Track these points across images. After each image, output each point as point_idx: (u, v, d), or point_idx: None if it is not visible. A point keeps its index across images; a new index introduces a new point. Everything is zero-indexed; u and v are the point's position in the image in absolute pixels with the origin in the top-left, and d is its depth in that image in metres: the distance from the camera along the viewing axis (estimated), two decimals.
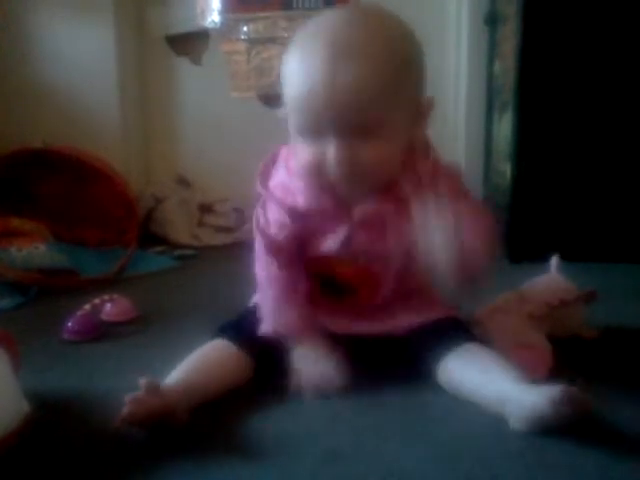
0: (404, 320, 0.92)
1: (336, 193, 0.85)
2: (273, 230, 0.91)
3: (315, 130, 0.80)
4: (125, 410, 0.71)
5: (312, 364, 0.85)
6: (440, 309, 0.94)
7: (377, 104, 0.77)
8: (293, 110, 0.82)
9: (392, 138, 0.81)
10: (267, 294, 0.93)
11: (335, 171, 0.81)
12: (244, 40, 2.26)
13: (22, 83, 2.14)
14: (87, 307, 1.15)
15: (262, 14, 2.25)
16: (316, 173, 0.83)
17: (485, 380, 0.79)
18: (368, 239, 0.88)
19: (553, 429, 0.71)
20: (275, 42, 2.23)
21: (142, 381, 0.73)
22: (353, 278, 0.93)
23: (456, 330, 0.90)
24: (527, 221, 1.69)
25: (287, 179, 0.89)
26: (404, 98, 0.81)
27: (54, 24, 2.12)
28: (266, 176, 0.92)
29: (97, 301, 1.18)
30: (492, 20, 1.98)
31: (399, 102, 0.80)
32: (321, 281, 0.95)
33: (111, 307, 1.21)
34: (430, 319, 0.91)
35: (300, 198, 0.88)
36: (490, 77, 2.04)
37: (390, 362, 0.91)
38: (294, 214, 0.89)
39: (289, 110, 0.83)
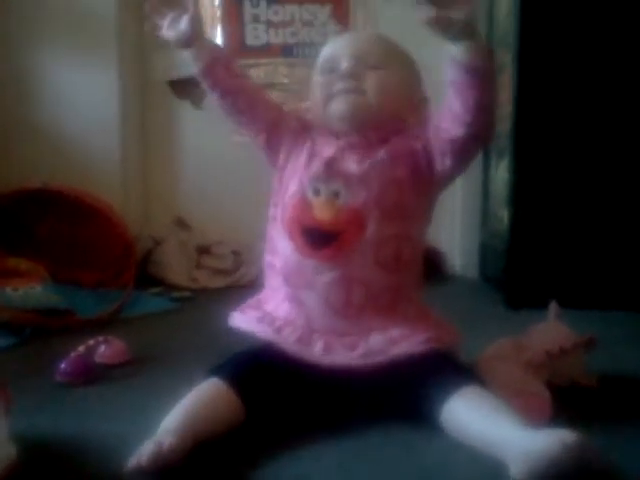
0: (381, 348, 0.90)
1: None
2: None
3: (332, 66, 0.98)
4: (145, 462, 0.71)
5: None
6: (423, 333, 0.91)
7: (382, 55, 0.98)
8: (320, 68, 1.01)
9: (393, 76, 0.97)
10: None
11: (341, 101, 0.96)
12: None
13: (24, 124, 2.16)
14: (81, 349, 1.14)
15: (263, 60, 2.30)
16: (325, 106, 0.97)
17: (491, 423, 0.78)
18: (351, 161, 0.95)
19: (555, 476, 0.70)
20: (275, 88, 2.27)
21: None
22: (334, 222, 0.93)
23: (457, 372, 0.88)
24: (525, 267, 1.69)
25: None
26: (402, 69, 1.00)
27: (58, 66, 2.16)
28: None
29: (91, 342, 1.17)
30: None
31: (399, 65, 1.00)
32: (304, 232, 0.94)
33: (105, 349, 1.20)
34: (414, 350, 0.89)
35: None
36: None
37: (390, 405, 0.89)
38: (301, 123, 1.03)
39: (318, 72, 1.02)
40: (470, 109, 0.86)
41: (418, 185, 0.95)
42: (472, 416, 0.80)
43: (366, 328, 0.93)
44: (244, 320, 0.99)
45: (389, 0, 2.17)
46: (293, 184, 0.97)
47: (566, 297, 1.22)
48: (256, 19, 2.31)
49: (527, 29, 1.64)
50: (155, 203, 2.37)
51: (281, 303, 0.98)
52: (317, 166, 0.95)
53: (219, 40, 2.32)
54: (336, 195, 0.93)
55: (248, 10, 2.31)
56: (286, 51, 2.29)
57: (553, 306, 1.11)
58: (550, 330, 1.07)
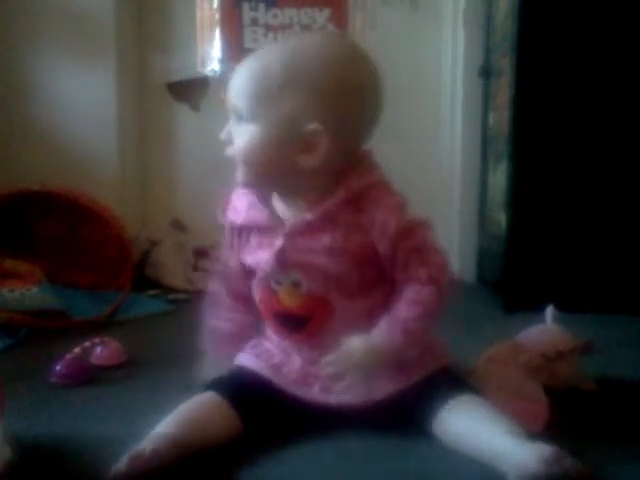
0: (382, 386, 0.88)
1: (270, 206, 0.91)
2: (224, 255, 0.98)
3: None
4: (125, 466, 0.71)
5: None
6: (425, 364, 0.90)
7: (247, 102, 0.87)
8: None
9: (263, 131, 0.85)
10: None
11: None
12: None
13: (22, 126, 2.15)
14: (77, 350, 1.13)
15: None
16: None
17: (480, 433, 0.78)
18: (301, 249, 0.88)
19: None
20: None
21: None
22: (300, 308, 0.90)
23: (449, 382, 0.88)
24: (523, 270, 1.69)
25: (236, 201, 0.95)
26: (277, 106, 0.85)
27: (56, 69, 2.15)
28: (227, 206, 0.97)
29: (87, 344, 1.17)
30: (486, 73, 2.03)
31: (272, 104, 0.85)
32: (274, 316, 0.93)
33: (101, 351, 1.20)
34: (413, 380, 0.88)
35: (241, 214, 0.93)
36: (485, 128, 2.07)
37: (382, 418, 0.88)
38: (234, 229, 0.95)
39: None
40: None
41: (378, 263, 0.89)
42: (462, 428, 0.80)
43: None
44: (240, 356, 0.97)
45: (388, 3, 2.18)
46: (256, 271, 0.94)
47: (563, 300, 1.22)
48: (255, 22, 2.31)
49: (525, 34, 1.64)
50: (152, 205, 2.37)
51: (279, 344, 0.96)
52: (271, 261, 0.89)
53: (217, 43, 2.32)
54: (297, 284, 0.90)
55: (247, 13, 2.31)
56: None
57: (550, 309, 1.11)
58: (547, 333, 1.06)
